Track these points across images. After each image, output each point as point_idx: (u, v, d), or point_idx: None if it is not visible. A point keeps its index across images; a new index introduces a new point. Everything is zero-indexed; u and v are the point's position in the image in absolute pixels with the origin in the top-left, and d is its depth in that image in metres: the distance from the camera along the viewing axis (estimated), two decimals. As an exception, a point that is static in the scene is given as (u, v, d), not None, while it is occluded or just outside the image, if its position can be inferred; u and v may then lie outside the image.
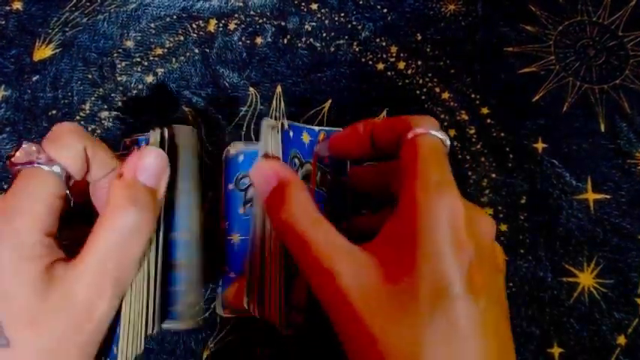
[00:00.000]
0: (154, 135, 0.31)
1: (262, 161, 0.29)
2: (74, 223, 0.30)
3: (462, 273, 0.24)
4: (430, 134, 0.27)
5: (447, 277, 0.23)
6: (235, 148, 0.34)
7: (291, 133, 0.32)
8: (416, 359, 0.23)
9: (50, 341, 0.25)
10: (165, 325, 0.30)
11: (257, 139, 0.44)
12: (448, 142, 0.28)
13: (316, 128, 0.35)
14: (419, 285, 0.23)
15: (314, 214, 0.27)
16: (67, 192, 0.28)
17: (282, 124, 0.31)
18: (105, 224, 0.27)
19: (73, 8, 0.48)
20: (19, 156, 0.27)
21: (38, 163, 0.27)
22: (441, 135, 0.28)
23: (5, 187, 0.43)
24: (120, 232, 0.27)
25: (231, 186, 0.34)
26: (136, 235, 0.27)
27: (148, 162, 0.29)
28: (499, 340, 0.24)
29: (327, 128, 0.36)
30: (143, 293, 0.29)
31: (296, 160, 0.32)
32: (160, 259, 0.29)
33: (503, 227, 0.42)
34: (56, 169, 0.27)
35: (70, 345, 0.25)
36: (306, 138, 0.33)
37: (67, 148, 0.27)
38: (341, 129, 0.35)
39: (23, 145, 0.27)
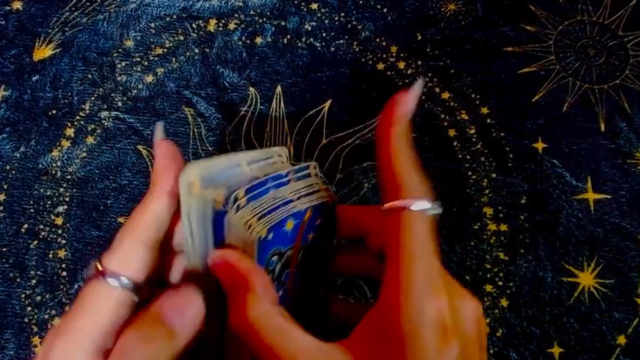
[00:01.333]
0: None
1: (217, 253, 0.27)
2: None
3: None
4: (414, 212, 0.25)
5: None
6: (264, 227, 0.28)
7: (271, 236, 0.27)
8: None
9: None
10: None
11: (257, 138, 0.44)
12: (436, 211, 0.25)
13: (295, 204, 0.29)
14: None
15: (279, 322, 0.25)
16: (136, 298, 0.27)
17: (259, 237, 0.27)
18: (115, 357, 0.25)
19: (73, 8, 0.48)
20: (88, 271, 0.26)
21: (103, 277, 0.26)
22: (425, 205, 0.25)
23: (5, 187, 0.43)
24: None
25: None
26: None
27: (177, 301, 0.27)
28: None
29: (297, 169, 0.30)
30: None
31: (274, 259, 0.29)
32: None
33: (504, 227, 0.42)
34: (122, 281, 0.26)
35: None
36: (289, 225, 0.28)
37: (128, 260, 0.26)
38: (307, 164, 0.31)
39: (91, 262, 0.26)
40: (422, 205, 0.25)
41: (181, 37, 0.47)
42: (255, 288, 0.25)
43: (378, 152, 0.26)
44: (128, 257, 0.26)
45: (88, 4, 0.48)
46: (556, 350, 0.39)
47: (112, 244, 0.27)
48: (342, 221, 0.31)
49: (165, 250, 0.28)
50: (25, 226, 0.42)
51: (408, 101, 0.27)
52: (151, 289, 0.27)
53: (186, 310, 0.27)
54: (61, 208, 0.42)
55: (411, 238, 0.24)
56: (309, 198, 0.29)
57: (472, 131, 0.44)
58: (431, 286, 0.24)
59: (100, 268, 0.26)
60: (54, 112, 0.45)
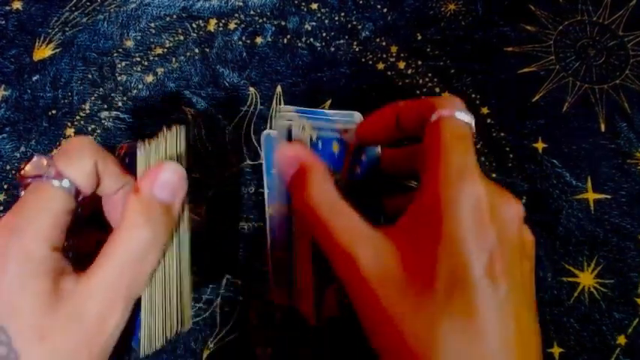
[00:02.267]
0: (144, 148, 0.31)
1: (285, 145, 0.30)
2: (81, 231, 0.30)
3: (481, 260, 0.23)
4: (454, 117, 0.27)
5: (465, 264, 0.23)
6: (314, 133, 0.34)
7: (320, 145, 0.32)
8: (433, 346, 0.23)
9: (61, 356, 0.25)
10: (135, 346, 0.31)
11: (257, 140, 0.44)
12: (473, 124, 0.27)
13: (336, 125, 0.35)
14: (436, 271, 0.23)
15: (335, 199, 0.27)
16: (77, 206, 0.28)
17: (310, 137, 0.32)
18: (119, 241, 0.27)
19: (73, 8, 0.48)
20: (28, 169, 0.27)
21: (47, 177, 0.26)
22: (465, 117, 0.27)
23: (5, 187, 0.43)
24: (135, 249, 0.27)
25: (274, 170, 0.34)
26: (151, 251, 0.27)
27: (165, 177, 0.29)
28: (520, 328, 0.24)
29: (340, 113, 0.36)
30: (167, 287, 0.29)
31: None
32: (177, 258, 0.30)
33: (503, 227, 0.42)
34: (65, 183, 0.27)
35: (82, 358, 0.25)
36: (335, 148, 0.32)
37: (77, 162, 0.27)
38: (356, 112, 0.36)
39: (34, 159, 0.27)
40: (460, 115, 0.27)
41: (181, 37, 0.47)
42: (316, 169, 0.28)
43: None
44: (76, 162, 0.27)
45: (88, 4, 0.48)
46: (556, 350, 0.39)
47: (61, 148, 0.27)
48: (392, 164, 0.35)
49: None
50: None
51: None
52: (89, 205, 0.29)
53: (173, 183, 0.29)
54: (61, 208, 0.42)
55: (449, 135, 0.26)
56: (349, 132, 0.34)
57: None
58: (468, 174, 0.25)
59: (50, 167, 0.27)
60: (54, 112, 0.45)
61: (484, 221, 0.24)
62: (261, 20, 0.48)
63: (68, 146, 0.28)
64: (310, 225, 0.27)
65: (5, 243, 0.25)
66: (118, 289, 0.26)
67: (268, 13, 0.48)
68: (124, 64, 0.46)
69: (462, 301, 0.23)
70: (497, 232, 0.24)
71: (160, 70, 0.46)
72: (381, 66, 0.46)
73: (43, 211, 0.26)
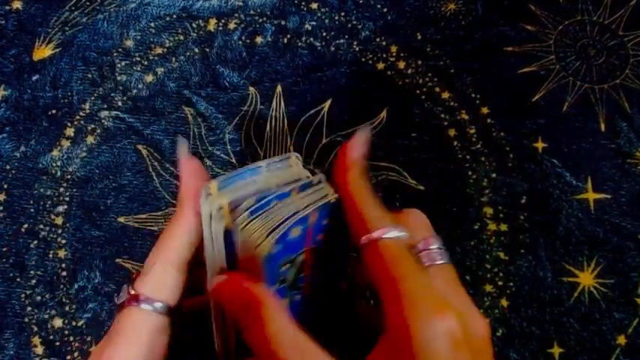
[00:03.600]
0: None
1: (222, 279, 0.27)
2: None
3: None
4: (386, 240, 0.26)
5: None
6: (270, 242, 0.27)
7: (277, 249, 0.27)
8: None
9: None
10: None
11: (257, 138, 0.44)
12: (404, 235, 0.26)
13: (300, 213, 0.28)
14: None
15: (296, 334, 0.25)
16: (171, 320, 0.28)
17: (267, 253, 0.27)
18: None
19: (73, 8, 0.48)
20: (121, 296, 0.27)
21: (137, 303, 0.26)
22: (396, 234, 0.26)
23: (5, 187, 0.43)
24: None
25: (275, 287, 0.29)
26: None
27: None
28: None
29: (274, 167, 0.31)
30: None
31: (285, 268, 0.29)
32: None
33: (504, 227, 0.42)
34: (156, 306, 0.27)
35: None
36: (296, 233, 0.28)
37: (161, 284, 0.27)
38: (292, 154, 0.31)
39: (123, 287, 0.27)
40: (392, 234, 0.26)
41: (181, 37, 0.47)
42: (270, 304, 0.25)
43: (340, 195, 0.28)
44: (161, 282, 0.27)
45: (87, 3, 0.48)
46: (556, 350, 0.39)
47: (143, 268, 0.27)
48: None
49: (198, 263, 0.29)
50: (25, 225, 0.42)
51: (356, 148, 0.29)
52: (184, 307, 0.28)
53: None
54: (61, 208, 0.42)
55: (395, 262, 0.25)
56: (312, 201, 0.29)
57: (472, 131, 0.44)
58: (434, 301, 0.24)
59: (134, 294, 0.26)
60: (54, 111, 0.45)
61: (459, 349, 0.24)
62: (261, 20, 0.48)
63: (147, 266, 0.28)
64: (268, 358, 0.25)
65: None
66: None
67: (268, 13, 0.48)
68: (123, 63, 0.46)
69: None
70: (471, 355, 0.24)
71: (159, 70, 0.46)
72: (381, 66, 0.46)
73: (135, 340, 0.26)
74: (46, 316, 0.40)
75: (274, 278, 0.28)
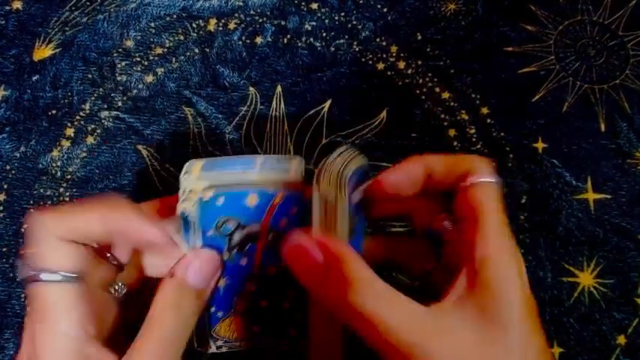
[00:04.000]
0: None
1: (298, 237, 0.27)
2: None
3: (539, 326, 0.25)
4: (488, 183, 0.28)
5: (533, 337, 0.25)
6: (210, 190, 0.30)
7: (221, 201, 0.29)
8: None
9: None
10: None
11: (257, 138, 0.44)
12: (501, 183, 0.29)
13: (269, 189, 0.30)
14: (511, 343, 0.24)
15: (382, 289, 0.25)
16: (117, 287, 0.29)
17: (202, 198, 0.29)
18: (150, 327, 0.27)
19: (73, 8, 0.48)
20: (22, 272, 0.27)
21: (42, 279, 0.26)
22: (495, 179, 0.28)
23: (5, 187, 0.43)
24: (162, 335, 0.27)
25: (210, 232, 0.30)
26: (180, 335, 0.28)
27: (199, 265, 0.29)
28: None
29: (274, 160, 0.32)
30: None
31: (230, 225, 0.30)
32: None
33: (503, 227, 0.42)
34: (55, 277, 0.26)
35: None
36: (252, 200, 0.30)
37: (53, 252, 0.27)
38: (295, 158, 0.32)
39: (18, 263, 0.27)
40: (494, 179, 0.28)
41: (181, 37, 0.47)
42: (354, 259, 0.26)
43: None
44: (60, 254, 0.27)
45: (88, 3, 0.48)
46: (556, 350, 0.39)
47: (33, 239, 0.26)
48: (378, 200, 0.31)
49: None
50: (25, 226, 0.42)
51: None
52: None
53: (206, 270, 0.29)
54: (61, 208, 0.42)
55: (491, 203, 0.27)
56: (281, 184, 0.30)
57: (472, 131, 0.44)
58: (514, 249, 0.26)
59: (35, 270, 0.26)
60: (54, 112, 0.45)
61: (527, 291, 0.26)
62: (261, 20, 0.48)
63: (30, 235, 0.27)
64: (356, 324, 0.25)
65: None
66: None
67: (268, 13, 0.48)
68: (124, 64, 0.46)
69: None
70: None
71: (159, 70, 0.46)
72: (381, 66, 0.46)
73: (56, 319, 0.26)
74: (46, 316, 0.40)
75: (208, 225, 0.30)
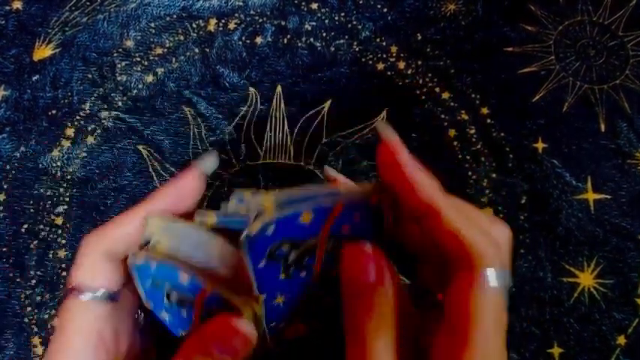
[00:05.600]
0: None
1: (357, 247, 0.25)
2: None
3: None
4: (492, 290, 0.22)
5: None
6: (255, 225, 0.26)
7: (270, 231, 0.26)
8: None
9: None
10: None
11: (257, 138, 0.44)
12: (507, 281, 0.23)
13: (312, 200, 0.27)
14: None
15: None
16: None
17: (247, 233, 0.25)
18: None
19: (73, 8, 0.48)
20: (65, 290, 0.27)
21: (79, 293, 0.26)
22: (500, 283, 0.23)
23: (5, 187, 0.43)
24: None
25: (262, 263, 0.28)
26: None
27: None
28: None
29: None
30: None
31: (285, 248, 0.28)
32: None
33: (503, 227, 0.42)
34: (95, 294, 0.26)
35: None
36: (306, 218, 0.27)
37: (90, 268, 0.26)
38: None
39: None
40: (494, 278, 0.22)
41: (181, 37, 0.47)
42: (388, 291, 0.24)
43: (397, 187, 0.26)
44: (94, 270, 0.26)
45: (88, 3, 0.48)
46: (556, 350, 0.39)
47: (77, 256, 0.26)
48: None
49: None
50: (25, 226, 0.42)
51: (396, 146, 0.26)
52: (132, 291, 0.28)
53: (235, 342, 0.26)
54: (61, 208, 0.42)
55: (487, 318, 0.22)
56: (334, 196, 0.27)
57: (472, 131, 0.44)
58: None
59: (70, 287, 0.26)
60: (54, 112, 0.45)
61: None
62: (261, 20, 0.48)
63: (79, 253, 0.27)
64: None
65: None
66: None
67: (268, 13, 0.48)
68: (124, 64, 0.46)
69: None
70: None
71: (159, 70, 0.46)
72: (381, 66, 0.46)
73: (76, 333, 0.26)
74: (46, 316, 0.40)
75: (258, 258, 0.27)
